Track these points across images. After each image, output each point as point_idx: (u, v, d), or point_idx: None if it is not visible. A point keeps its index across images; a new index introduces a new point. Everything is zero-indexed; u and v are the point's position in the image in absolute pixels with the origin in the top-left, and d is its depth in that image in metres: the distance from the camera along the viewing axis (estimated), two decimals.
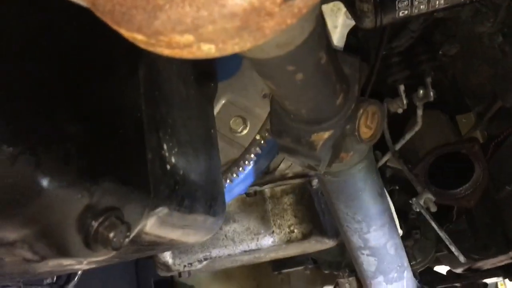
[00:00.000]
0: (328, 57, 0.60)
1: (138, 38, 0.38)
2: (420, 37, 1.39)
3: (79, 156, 0.42)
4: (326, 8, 0.95)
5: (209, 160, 0.75)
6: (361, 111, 0.71)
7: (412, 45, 1.39)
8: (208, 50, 0.38)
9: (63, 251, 0.43)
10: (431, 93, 1.43)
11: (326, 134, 0.70)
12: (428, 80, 1.42)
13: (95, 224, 0.43)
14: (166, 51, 0.38)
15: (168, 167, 0.58)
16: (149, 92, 0.58)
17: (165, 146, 0.58)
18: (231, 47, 0.38)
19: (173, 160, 0.60)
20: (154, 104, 0.58)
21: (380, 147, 1.54)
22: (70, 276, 1.31)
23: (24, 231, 0.40)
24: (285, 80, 0.58)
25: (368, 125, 0.73)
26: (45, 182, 0.38)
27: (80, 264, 0.55)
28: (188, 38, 0.36)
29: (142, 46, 0.39)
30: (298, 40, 0.51)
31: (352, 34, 1.34)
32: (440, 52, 1.41)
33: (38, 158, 0.37)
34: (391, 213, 0.91)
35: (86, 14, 0.38)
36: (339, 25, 0.98)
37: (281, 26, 0.37)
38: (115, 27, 0.38)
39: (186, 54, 0.38)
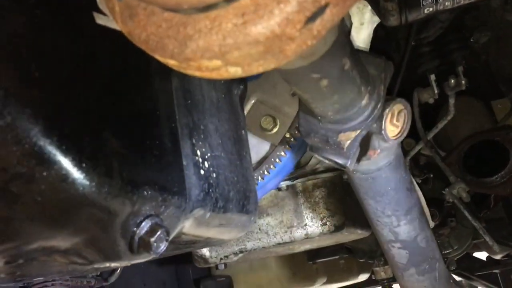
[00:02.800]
0: (352, 62, 0.62)
1: (171, 63, 0.42)
2: (450, 26, 1.37)
3: (121, 169, 0.46)
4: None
5: (240, 160, 0.79)
6: (387, 110, 0.73)
7: (442, 34, 1.38)
8: (235, 72, 0.41)
9: (109, 256, 0.47)
10: (463, 82, 1.42)
11: (353, 134, 0.72)
12: (460, 69, 1.41)
13: (137, 230, 0.48)
14: (196, 73, 0.42)
15: (202, 171, 0.62)
16: (182, 101, 0.62)
17: (198, 152, 0.62)
18: (256, 68, 0.40)
19: (206, 164, 0.63)
20: (187, 112, 0.61)
21: (413, 135, 1.54)
22: (113, 269, 1.38)
23: (75, 239, 0.44)
24: (311, 86, 0.61)
25: (394, 123, 0.75)
26: (92, 195, 0.42)
27: (123, 265, 0.59)
28: (216, 63, 0.39)
29: (175, 68, 0.42)
30: (321, 51, 0.53)
31: (381, 26, 1.35)
32: (471, 40, 1.39)
33: (86, 173, 0.42)
34: (421, 207, 0.93)
35: (121, 33, 0.42)
36: (365, 22, 0.99)
37: (302, 48, 0.39)
38: (150, 53, 0.42)
39: (215, 75, 0.42)
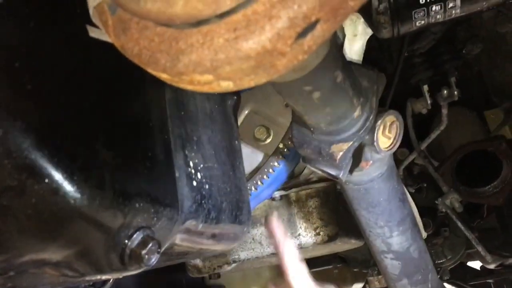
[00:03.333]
0: (344, 74, 0.63)
1: (163, 76, 0.42)
2: (442, 37, 1.39)
3: (112, 180, 0.46)
4: None
5: (233, 171, 0.79)
6: (379, 122, 0.73)
7: (434, 46, 1.39)
8: (226, 86, 0.41)
9: (100, 269, 0.47)
10: (455, 92, 1.43)
11: (345, 145, 0.73)
12: (452, 79, 1.42)
13: (128, 243, 0.47)
14: (188, 87, 0.42)
15: (195, 183, 0.62)
16: (175, 113, 0.62)
17: (191, 163, 0.62)
18: (248, 83, 0.41)
19: (199, 175, 0.63)
20: (180, 123, 0.62)
21: (407, 145, 1.55)
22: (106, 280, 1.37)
23: (66, 252, 0.44)
24: (303, 98, 0.61)
25: (386, 134, 0.76)
26: (83, 208, 0.42)
27: (114, 277, 0.59)
28: (208, 77, 0.40)
29: (167, 82, 0.43)
30: (313, 64, 0.54)
31: (374, 38, 1.36)
32: (463, 51, 1.40)
33: (77, 186, 0.42)
34: (414, 217, 0.93)
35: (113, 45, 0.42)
36: (358, 33, 0.99)
37: (293, 63, 0.40)
38: (142, 66, 0.42)
39: (206, 89, 0.42)
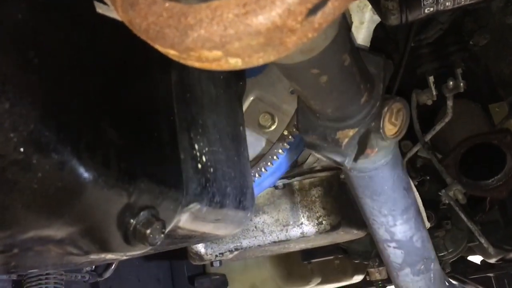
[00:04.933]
0: (352, 59, 0.62)
1: (171, 53, 0.41)
2: (449, 28, 1.37)
3: (118, 159, 0.46)
4: (352, 4, 0.96)
5: (238, 156, 0.79)
6: (385, 108, 0.73)
7: (441, 36, 1.38)
8: (235, 63, 0.41)
9: (104, 247, 0.47)
10: (461, 84, 1.42)
11: (351, 132, 0.72)
12: (458, 71, 1.42)
13: (133, 221, 0.47)
14: (196, 64, 0.42)
15: (200, 165, 0.62)
16: (181, 95, 0.61)
17: (196, 146, 0.62)
18: (256, 60, 0.40)
19: (204, 158, 0.63)
20: (185, 106, 0.61)
21: (410, 137, 1.54)
22: (108, 264, 1.37)
23: (70, 229, 0.44)
24: (310, 82, 0.61)
25: (393, 122, 0.75)
26: (89, 185, 0.42)
27: (119, 257, 0.59)
28: (217, 53, 0.39)
29: (175, 59, 0.42)
30: (322, 46, 0.53)
31: (381, 27, 1.35)
32: (470, 43, 1.39)
33: (83, 162, 0.41)
34: (418, 207, 0.93)
35: (121, 25, 0.42)
36: (365, 21, 0.98)
37: (303, 40, 0.39)
38: (150, 42, 0.42)
39: (214, 66, 0.42)
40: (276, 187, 1.22)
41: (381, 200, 0.86)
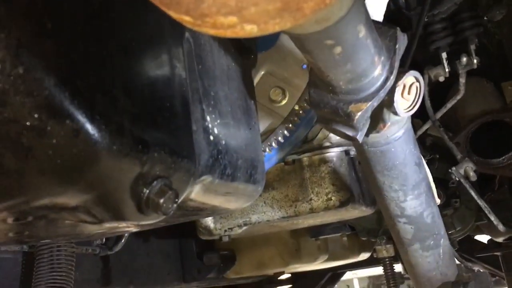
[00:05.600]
0: (367, 30, 0.61)
1: (186, 19, 0.41)
2: (464, 2, 1.35)
3: (131, 128, 0.46)
4: None
5: (249, 130, 0.78)
6: (399, 82, 0.72)
7: (455, 11, 1.36)
8: (250, 30, 0.40)
9: (118, 215, 0.47)
10: (475, 61, 1.40)
11: (363, 105, 0.71)
12: (472, 47, 1.39)
13: (146, 191, 0.47)
14: (211, 31, 0.41)
15: (212, 137, 0.61)
16: (193, 66, 0.61)
17: (208, 118, 0.61)
18: (272, 27, 0.40)
19: (216, 131, 0.63)
20: (197, 77, 0.61)
21: (420, 115, 1.53)
22: (118, 238, 1.39)
23: (85, 196, 0.44)
24: (324, 53, 0.60)
25: (405, 96, 0.74)
26: (103, 152, 0.42)
27: (132, 227, 0.60)
28: (232, 19, 0.38)
29: (189, 26, 0.41)
30: (337, 16, 0.52)
31: (393, 2, 1.32)
32: (485, 18, 1.36)
33: (97, 130, 0.41)
34: (429, 183, 0.92)
35: None
36: None
37: (320, 6, 0.38)
38: (164, 9, 0.41)
39: (230, 34, 0.41)
40: (285, 163, 1.22)
41: (392, 175, 0.85)
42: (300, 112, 0.98)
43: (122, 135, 0.43)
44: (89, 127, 0.40)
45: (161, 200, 0.48)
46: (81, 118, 0.39)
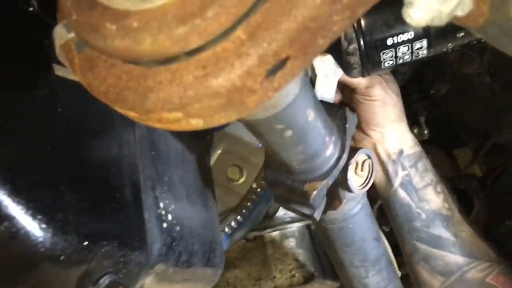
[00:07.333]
0: (316, 113, 0.63)
1: (131, 114, 0.41)
2: (411, 78, 1.43)
3: (77, 224, 0.44)
4: (316, 59, 0.99)
5: (206, 212, 0.77)
6: (351, 160, 0.73)
7: (403, 86, 1.43)
8: (196, 123, 0.41)
9: None
10: (425, 132, 1.46)
11: (318, 184, 0.72)
12: (422, 119, 1.46)
13: None
14: (157, 125, 0.41)
15: (165, 224, 0.60)
16: (146, 152, 0.60)
17: (161, 205, 0.60)
18: (218, 120, 0.40)
19: (169, 217, 0.62)
20: (150, 163, 0.60)
21: None
22: None
23: None
24: (275, 137, 0.61)
25: (359, 173, 0.76)
26: (45, 254, 0.40)
27: None
28: (177, 115, 0.39)
29: (135, 120, 0.42)
30: (284, 102, 0.54)
31: None
32: (431, 92, 1.44)
33: (38, 230, 0.40)
34: (389, 256, 0.92)
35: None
36: (330, 73, 1.01)
37: (263, 100, 0.39)
38: (110, 104, 0.41)
39: (176, 127, 0.41)
40: (247, 240, 1.20)
41: (352, 251, 0.85)
42: (258, 190, 0.98)
43: (66, 233, 0.42)
44: (30, 227, 0.38)
45: None
46: (22, 218, 0.38)
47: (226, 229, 0.98)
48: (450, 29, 0.79)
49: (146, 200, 0.57)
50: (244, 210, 0.97)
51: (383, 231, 1.29)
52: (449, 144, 1.73)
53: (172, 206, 0.63)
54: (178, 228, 0.63)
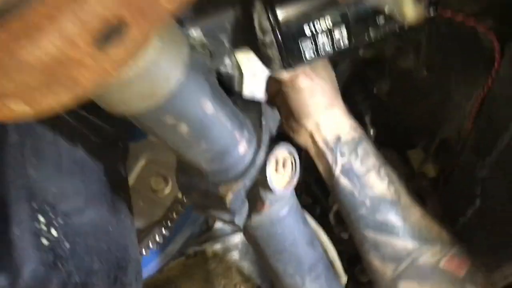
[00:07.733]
0: (217, 105, 0.56)
1: None
2: (353, 76, 1.39)
3: None
4: (241, 56, 0.94)
5: (116, 225, 0.70)
6: (270, 157, 0.67)
7: (346, 85, 1.39)
8: (22, 110, 0.33)
9: None
10: (371, 132, 1.42)
11: (234, 186, 0.65)
12: (367, 118, 1.42)
13: None
14: None
15: (46, 241, 0.52)
16: (19, 160, 0.53)
17: (41, 218, 0.53)
18: (47, 104, 0.33)
19: (54, 232, 0.54)
20: (25, 172, 0.53)
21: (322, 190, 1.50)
22: None
23: None
24: (169, 133, 0.54)
25: (280, 171, 0.69)
26: None
27: None
28: None
29: None
30: (164, 90, 0.47)
31: None
32: (374, 91, 1.40)
33: None
34: (328, 262, 0.86)
35: None
36: (258, 72, 0.95)
37: (101, 75, 0.33)
38: None
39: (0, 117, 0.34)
40: (187, 256, 1.12)
41: (284, 259, 0.78)
42: (184, 199, 0.90)
43: None
44: None
45: None
46: None
47: (151, 245, 0.90)
48: (369, 14, 0.74)
49: (17, 213, 0.49)
50: (169, 223, 0.90)
51: (341, 239, 1.23)
52: (403, 145, 1.70)
53: (60, 220, 0.56)
54: (67, 245, 0.55)
